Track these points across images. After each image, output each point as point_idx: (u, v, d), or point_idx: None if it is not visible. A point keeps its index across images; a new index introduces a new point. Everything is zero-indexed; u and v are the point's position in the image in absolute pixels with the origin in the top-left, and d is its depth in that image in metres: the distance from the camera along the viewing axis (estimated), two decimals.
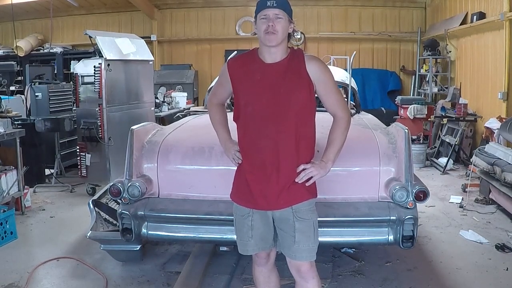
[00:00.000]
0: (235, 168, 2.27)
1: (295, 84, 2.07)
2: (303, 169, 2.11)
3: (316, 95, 2.18)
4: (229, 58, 2.27)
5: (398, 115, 7.89)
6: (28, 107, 6.10)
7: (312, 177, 2.12)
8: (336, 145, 2.16)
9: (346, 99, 4.84)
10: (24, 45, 10.53)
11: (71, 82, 6.15)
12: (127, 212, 2.86)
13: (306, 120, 2.12)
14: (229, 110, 2.89)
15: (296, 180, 2.10)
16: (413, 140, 6.69)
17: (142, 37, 6.74)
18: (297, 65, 2.09)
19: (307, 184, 2.13)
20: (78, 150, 5.48)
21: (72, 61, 8.17)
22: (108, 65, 5.26)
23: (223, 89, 2.28)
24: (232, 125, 2.27)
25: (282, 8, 2.03)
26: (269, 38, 2.03)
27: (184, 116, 5.08)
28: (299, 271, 2.20)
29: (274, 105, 2.05)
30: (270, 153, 2.07)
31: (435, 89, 8.87)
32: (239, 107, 2.15)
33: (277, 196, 2.10)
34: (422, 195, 2.73)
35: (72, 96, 6.22)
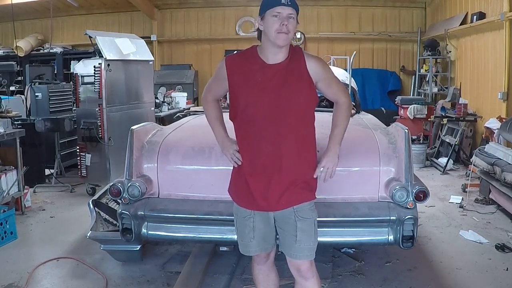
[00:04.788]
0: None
1: (297, 86, 2.06)
2: (321, 170, 2.15)
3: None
4: (227, 55, 2.25)
5: (398, 115, 7.89)
6: (28, 107, 6.10)
7: (331, 171, 2.18)
8: (341, 128, 2.21)
9: None
10: (24, 45, 10.53)
11: (71, 82, 6.14)
12: (127, 212, 2.86)
13: (307, 120, 2.12)
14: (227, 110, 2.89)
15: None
16: (413, 140, 6.69)
17: (142, 37, 6.75)
18: (298, 66, 2.08)
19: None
20: (78, 150, 5.48)
21: (72, 61, 8.16)
22: (108, 65, 5.26)
23: (219, 86, 2.23)
24: (229, 125, 2.25)
25: (294, 7, 2.00)
26: (281, 38, 1.98)
27: (184, 116, 5.07)
28: (300, 270, 2.20)
29: (275, 107, 2.03)
30: (272, 154, 2.06)
31: (435, 89, 8.87)
32: (238, 107, 2.11)
33: (279, 197, 2.09)
34: (422, 195, 2.73)
35: (72, 96, 6.22)
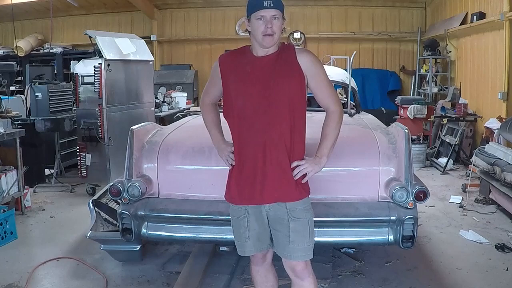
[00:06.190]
0: None
1: (286, 74, 2.06)
2: (297, 166, 2.09)
3: (309, 93, 2.17)
4: (220, 55, 2.27)
5: (398, 115, 7.89)
6: (28, 107, 6.10)
7: (307, 173, 2.11)
8: (330, 140, 2.15)
9: (346, 99, 4.84)
10: (24, 45, 10.53)
11: (71, 82, 6.14)
12: (127, 212, 2.86)
13: (297, 112, 2.10)
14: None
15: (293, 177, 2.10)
16: (413, 140, 6.69)
17: (142, 37, 6.74)
18: (288, 56, 2.09)
19: (302, 181, 2.12)
20: (78, 150, 5.48)
21: (72, 61, 8.14)
22: (108, 65, 5.26)
23: (216, 87, 2.25)
24: (225, 126, 2.25)
25: (278, 8, 2.02)
26: (267, 40, 2.02)
27: (184, 116, 5.08)
28: (294, 271, 2.20)
29: (265, 97, 2.04)
30: (261, 145, 2.06)
31: (435, 89, 8.88)
32: (230, 101, 2.13)
33: (269, 190, 2.08)
34: (422, 195, 2.73)
35: (72, 96, 6.22)
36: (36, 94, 6.00)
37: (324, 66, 2.24)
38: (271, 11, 2.01)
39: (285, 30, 2.14)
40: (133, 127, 3.12)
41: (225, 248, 3.58)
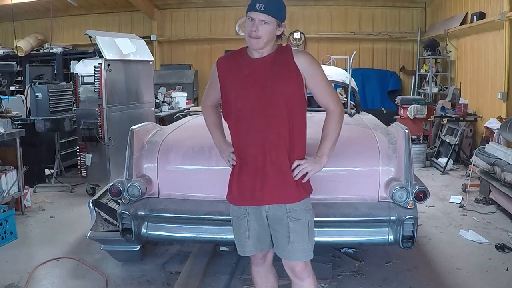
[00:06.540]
0: None
1: (283, 75, 2.06)
2: (297, 165, 2.09)
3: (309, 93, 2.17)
4: (218, 57, 2.28)
5: (398, 115, 7.89)
6: (28, 107, 6.10)
7: (307, 173, 2.11)
8: (331, 139, 2.14)
9: (346, 99, 4.84)
10: (24, 45, 10.53)
11: (71, 82, 6.14)
12: (127, 212, 2.86)
13: (296, 113, 2.09)
14: None
15: (293, 177, 2.10)
16: (413, 140, 6.69)
17: (142, 37, 6.75)
18: (285, 58, 2.09)
19: (303, 181, 2.12)
20: (78, 150, 5.48)
21: (72, 61, 8.13)
22: (108, 65, 5.26)
23: (215, 90, 2.25)
24: (226, 126, 2.26)
25: (269, 13, 2.01)
26: (251, 42, 2.05)
27: (184, 116, 5.08)
28: (294, 271, 2.20)
29: (262, 99, 2.05)
30: (259, 147, 2.06)
31: (435, 89, 8.88)
32: (229, 103, 2.13)
33: (271, 191, 2.08)
34: (422, 195, 2.73)
35: (72, 96, 6.22)
36: (36, 94, 6.00)
37: (324, 66, 2.24)
38: (260, 15, 2.01)
39: (284, 35, 2.14)
40: (133, 127, 3.12)
41: (225, 248, 3.58)
